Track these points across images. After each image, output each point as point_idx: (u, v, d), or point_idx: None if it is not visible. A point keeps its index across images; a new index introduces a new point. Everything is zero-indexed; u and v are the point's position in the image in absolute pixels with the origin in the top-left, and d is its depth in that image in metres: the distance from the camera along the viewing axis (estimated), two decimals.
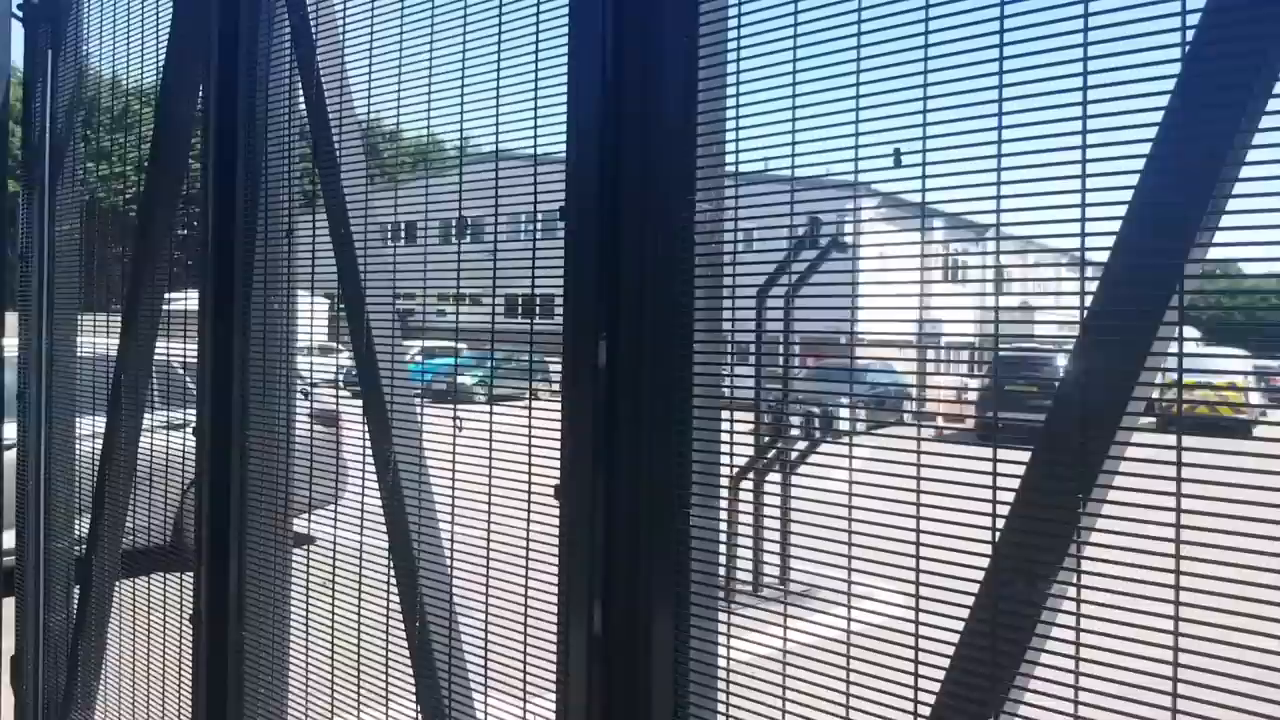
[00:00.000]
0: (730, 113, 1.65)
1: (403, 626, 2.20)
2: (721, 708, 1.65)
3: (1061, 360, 1.31)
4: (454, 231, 2.06)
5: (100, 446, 3.37)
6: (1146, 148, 1.21)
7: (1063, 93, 1.26)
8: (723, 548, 1.76)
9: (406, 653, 2.18)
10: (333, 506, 2.39)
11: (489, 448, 1.96)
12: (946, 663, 1.36)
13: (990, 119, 1.31)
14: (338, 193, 2.38)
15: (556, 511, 1.83)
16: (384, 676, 2.23)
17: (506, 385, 2.13)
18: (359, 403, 2.33)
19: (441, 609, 2.15)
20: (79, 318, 3.79)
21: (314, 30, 2.46)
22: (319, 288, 2.64)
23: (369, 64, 2.29)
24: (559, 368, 1.87)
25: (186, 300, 3.14)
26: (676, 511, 1.69)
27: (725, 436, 1.68)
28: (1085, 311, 1.26)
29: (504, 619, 1.96)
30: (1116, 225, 1.23)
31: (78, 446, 3.72)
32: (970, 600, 1.33)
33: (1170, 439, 1.16)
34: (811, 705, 1.48)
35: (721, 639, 1.66)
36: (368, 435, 2.30)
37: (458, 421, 2.07)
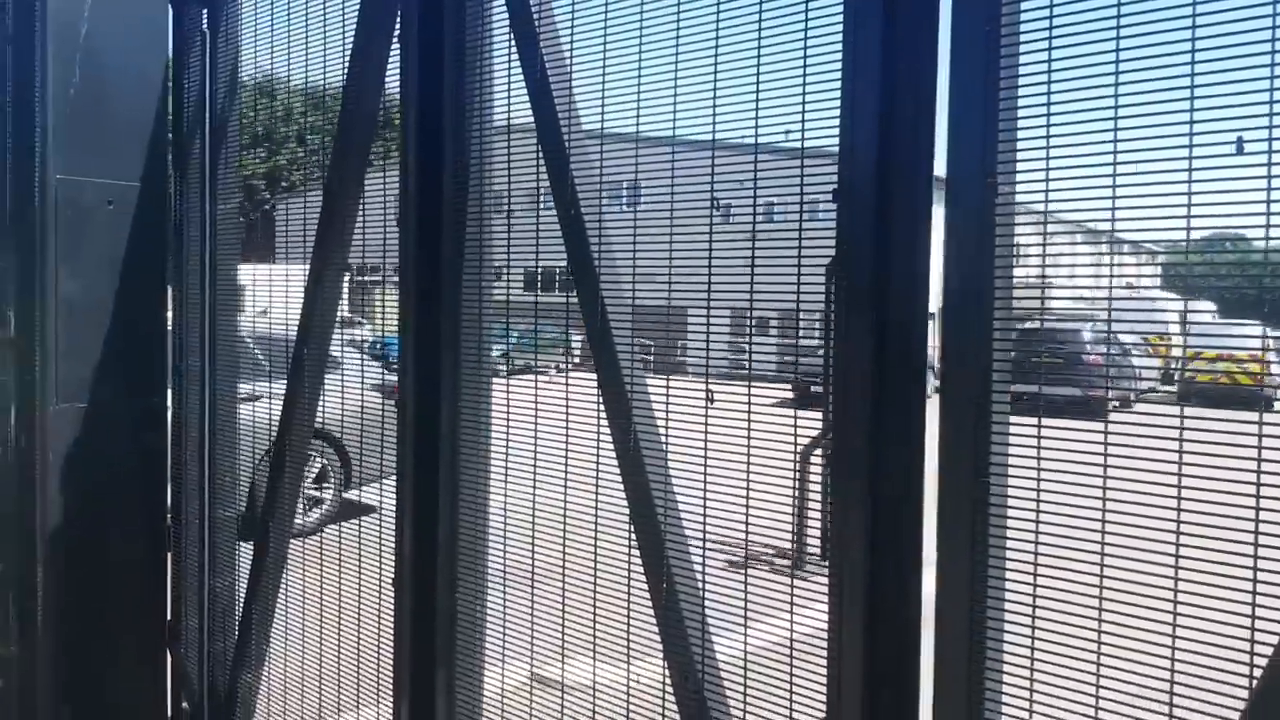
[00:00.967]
0: None
1: (640, 589, 2.31)
2: None
3: None
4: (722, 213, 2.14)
5: (276, 414, 3.49)
6: None
7: None
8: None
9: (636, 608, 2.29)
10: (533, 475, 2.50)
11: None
12: None
13: None
14: (564, 171, 2.46)
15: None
16: (625, 632, 2.33)
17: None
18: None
19: (687, 574, 2.26)
20: (239, 297, 3.92)
21: (535, 6, 2.54)
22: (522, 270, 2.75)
23: (603, 39, 2.36)
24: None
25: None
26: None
27: None
28: None
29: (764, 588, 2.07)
30: None
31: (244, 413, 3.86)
32: None
33: None
34: None
35: None
36: (604, 409, 2.39)
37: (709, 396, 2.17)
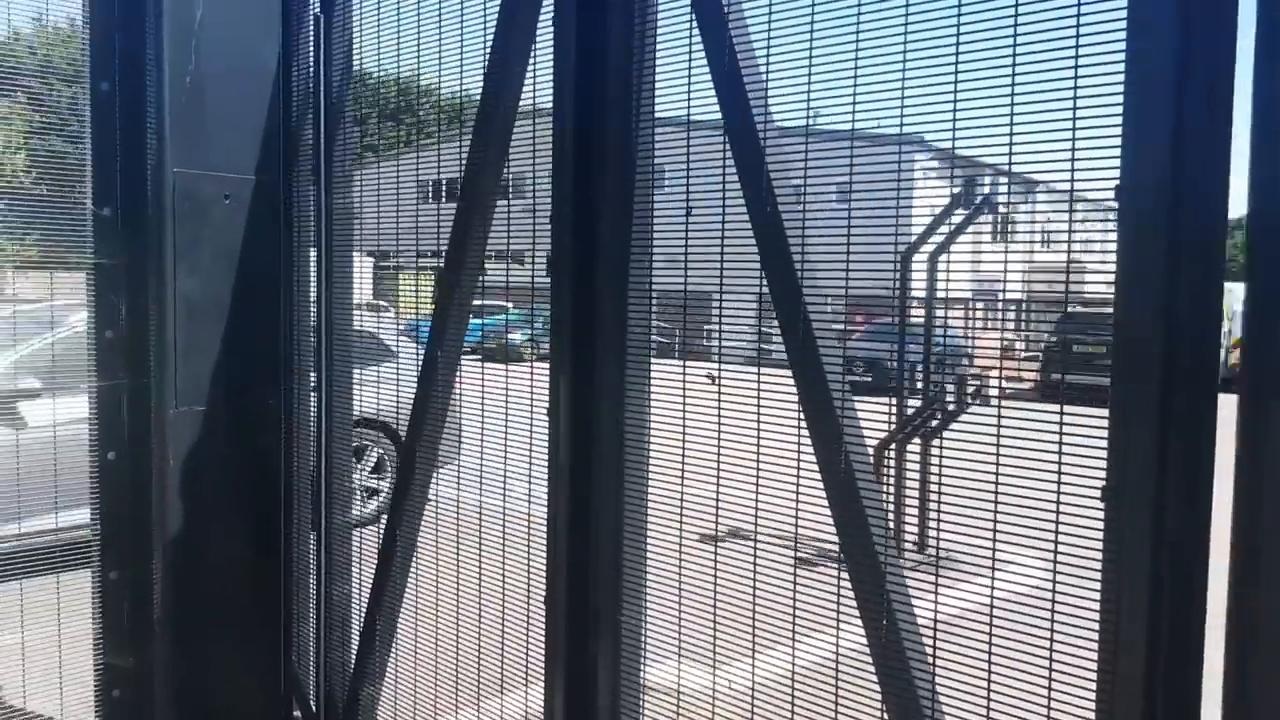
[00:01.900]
0: None
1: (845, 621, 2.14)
2: None
3: None
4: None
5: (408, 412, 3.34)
6: None
7: None
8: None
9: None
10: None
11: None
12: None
13: None
14: (757, 171, 2.28)
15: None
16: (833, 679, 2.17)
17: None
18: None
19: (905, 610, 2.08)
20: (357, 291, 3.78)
21: None
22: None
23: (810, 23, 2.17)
24: None
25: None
26: None
27: None
28: None
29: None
30: None
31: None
32: None
33: None
34: None
35: None
36: (805, 418, 2.22)
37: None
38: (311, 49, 3.81)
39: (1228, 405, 1.59)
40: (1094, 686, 1.77)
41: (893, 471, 3.88)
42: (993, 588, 1.91)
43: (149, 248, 3.51)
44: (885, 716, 2.09)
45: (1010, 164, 1.86)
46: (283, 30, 3.82)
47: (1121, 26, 1.72)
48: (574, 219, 2.71)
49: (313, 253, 3.85)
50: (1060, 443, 1.77)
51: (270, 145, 3.72)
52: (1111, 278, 1.74)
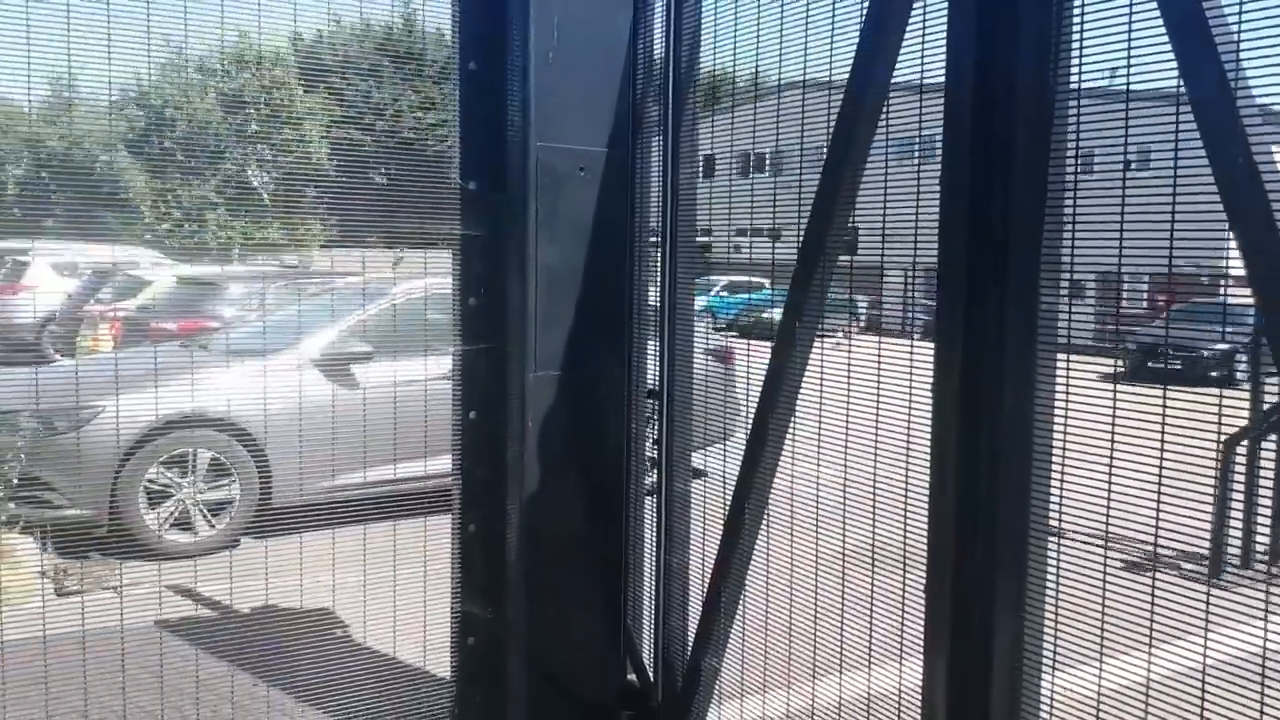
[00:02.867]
0: None
1: None
2: None
3: None
4: None
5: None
6: None
7: None
8: None
9: None
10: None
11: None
12: None
13: None
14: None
15: None
16: None
17: None
18: None
19: None
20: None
21: None
22: None
23: None
24: None
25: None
26: None
27: None
28: None
29: None
30: None
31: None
32: None
33: None
34: None
35: None
36: None
37: None
38: (660, 23, 3.83)
39: None
40: None
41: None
42: None
43: (510, 220, 3.66)
44: None
45: None
46: (634, 2, 3.87)
47: None
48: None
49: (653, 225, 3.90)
50: None
51: (621, 118, 3.78)
52: None
